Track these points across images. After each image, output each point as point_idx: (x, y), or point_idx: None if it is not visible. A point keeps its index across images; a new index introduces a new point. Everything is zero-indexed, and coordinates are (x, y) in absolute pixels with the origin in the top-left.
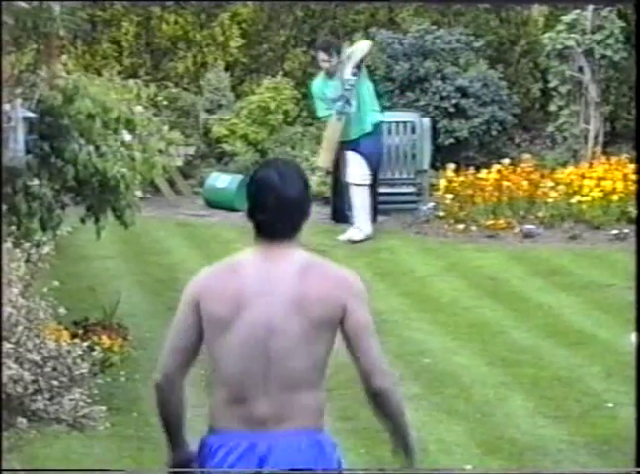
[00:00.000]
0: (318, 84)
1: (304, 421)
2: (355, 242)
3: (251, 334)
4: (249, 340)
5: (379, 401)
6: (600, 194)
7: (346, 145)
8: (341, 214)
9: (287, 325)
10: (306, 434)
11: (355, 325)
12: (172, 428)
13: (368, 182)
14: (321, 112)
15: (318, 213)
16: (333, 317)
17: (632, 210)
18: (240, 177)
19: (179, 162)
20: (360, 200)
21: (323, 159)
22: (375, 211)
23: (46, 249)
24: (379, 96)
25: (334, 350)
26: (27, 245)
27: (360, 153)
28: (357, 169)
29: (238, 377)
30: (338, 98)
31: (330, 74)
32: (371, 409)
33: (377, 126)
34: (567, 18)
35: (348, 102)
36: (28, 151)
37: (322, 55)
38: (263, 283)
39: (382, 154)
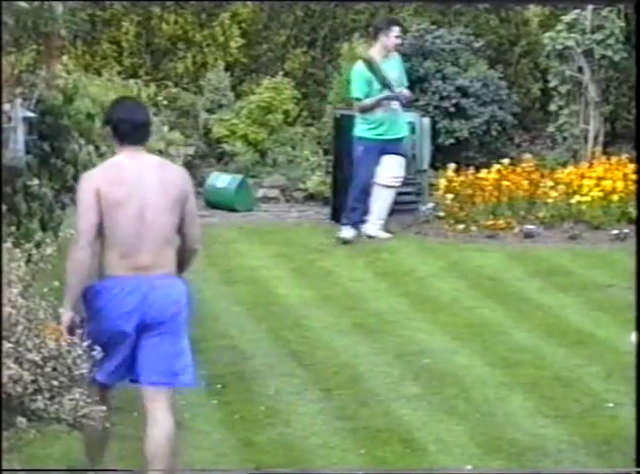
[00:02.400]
0: (365, 67)
1: (170, 269)
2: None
3: (136, 208)
4: (135, 212)
5: (187, 254)
6: (601, 194)
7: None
8: (341, 214)
9: (157, 200)
10: (172, 277)
11: (191, 205)
12: (78, 289)
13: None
14: (357, 92)
15: (318, 213)
16: (182, 197)
17: (632, 210)
18: (240, 177)
19: (179, 162)
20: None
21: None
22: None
23: (49, 250)
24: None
25: (335, 351)
26: (28, 246)
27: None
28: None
29: (128, 239)
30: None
31: (387, 52)
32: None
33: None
34: (567, 18)
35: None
36: (28, 151)
37: (397, 30)
38: (139, 173)
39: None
